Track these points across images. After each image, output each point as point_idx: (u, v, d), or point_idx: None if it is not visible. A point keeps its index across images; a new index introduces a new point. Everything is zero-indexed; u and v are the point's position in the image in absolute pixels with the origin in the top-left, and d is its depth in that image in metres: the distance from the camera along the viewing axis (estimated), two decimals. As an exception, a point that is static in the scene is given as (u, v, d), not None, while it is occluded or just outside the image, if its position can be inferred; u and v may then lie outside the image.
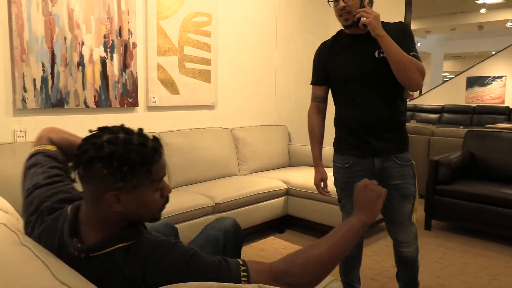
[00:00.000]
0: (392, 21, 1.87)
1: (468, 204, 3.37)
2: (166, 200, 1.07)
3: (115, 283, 0.94)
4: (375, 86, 1.85)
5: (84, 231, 0.99)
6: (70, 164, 1.00)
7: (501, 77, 11.38)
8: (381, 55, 1.79)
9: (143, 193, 0.98)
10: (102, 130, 0.99)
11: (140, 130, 1.02)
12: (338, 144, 2.01)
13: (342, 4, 1.79)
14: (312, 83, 2.07)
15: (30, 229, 1.08)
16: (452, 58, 16.78)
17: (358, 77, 1.86)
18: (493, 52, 12.16)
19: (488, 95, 11.59)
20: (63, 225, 1.00)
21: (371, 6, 1.83)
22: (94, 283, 0.89)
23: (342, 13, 1.80)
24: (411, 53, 1.75)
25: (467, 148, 3.90)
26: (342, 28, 1.92)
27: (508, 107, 10.08)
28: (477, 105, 10.57)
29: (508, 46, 11.38)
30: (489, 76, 11.58)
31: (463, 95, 12.05)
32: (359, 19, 1.75)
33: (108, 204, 0.95)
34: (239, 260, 1.02)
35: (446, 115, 10.61)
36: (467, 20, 10.97)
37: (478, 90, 11.79)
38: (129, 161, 0.93)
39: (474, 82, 11.86)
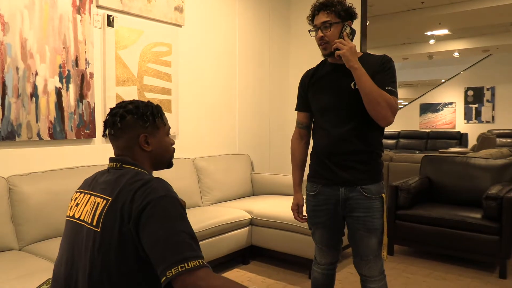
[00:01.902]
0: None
1: (428, 228, 3.44)
2: (173, 149, 1.40)
3: (126, 187, 1.18)
4: (349, 117, 1.84)
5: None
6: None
7: (451, 103, 12.00)
8: (357, 86, 1.78)
9: (162, 135, 1.33)
10: (120, 103, 1.34)
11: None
12: (310, 172, 2.01)
13: (320, 34, 1.83)
14: (296, 109, 2.09)
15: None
16: (405, 86, 17.58)
17: (333, 107, 1.87)
18: (443, 80, 12.85)
19: (440, 121, 12.16)
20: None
21: (352, 37, 1.84)
22: (118, 185, 1.19)
23: (321, 43, 1.84)
24: (386, 88, 1.75)
25: (424, 173, 4.02)
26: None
27: (459, 132, 10.59)
28: (430, 131, 11.05)
29: (456, 75, 12.05)
30: (440, 103, 12.19)
31: (417, 121, 12.58)
32: (336, 49, 1.77)
33: (140, 146, 1.28)
34: (201, 263, 1.05)
35: (402, 140, 11.01)
36: (418, 50, 11.58)
37: (431, 116, 12.35)
38: (150, 108, 1.31)
39: (427, 108, 12.43)
